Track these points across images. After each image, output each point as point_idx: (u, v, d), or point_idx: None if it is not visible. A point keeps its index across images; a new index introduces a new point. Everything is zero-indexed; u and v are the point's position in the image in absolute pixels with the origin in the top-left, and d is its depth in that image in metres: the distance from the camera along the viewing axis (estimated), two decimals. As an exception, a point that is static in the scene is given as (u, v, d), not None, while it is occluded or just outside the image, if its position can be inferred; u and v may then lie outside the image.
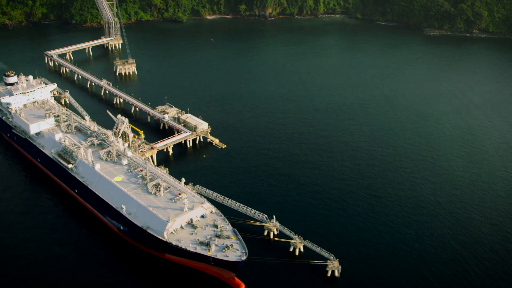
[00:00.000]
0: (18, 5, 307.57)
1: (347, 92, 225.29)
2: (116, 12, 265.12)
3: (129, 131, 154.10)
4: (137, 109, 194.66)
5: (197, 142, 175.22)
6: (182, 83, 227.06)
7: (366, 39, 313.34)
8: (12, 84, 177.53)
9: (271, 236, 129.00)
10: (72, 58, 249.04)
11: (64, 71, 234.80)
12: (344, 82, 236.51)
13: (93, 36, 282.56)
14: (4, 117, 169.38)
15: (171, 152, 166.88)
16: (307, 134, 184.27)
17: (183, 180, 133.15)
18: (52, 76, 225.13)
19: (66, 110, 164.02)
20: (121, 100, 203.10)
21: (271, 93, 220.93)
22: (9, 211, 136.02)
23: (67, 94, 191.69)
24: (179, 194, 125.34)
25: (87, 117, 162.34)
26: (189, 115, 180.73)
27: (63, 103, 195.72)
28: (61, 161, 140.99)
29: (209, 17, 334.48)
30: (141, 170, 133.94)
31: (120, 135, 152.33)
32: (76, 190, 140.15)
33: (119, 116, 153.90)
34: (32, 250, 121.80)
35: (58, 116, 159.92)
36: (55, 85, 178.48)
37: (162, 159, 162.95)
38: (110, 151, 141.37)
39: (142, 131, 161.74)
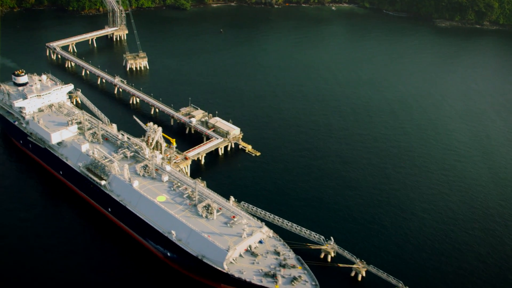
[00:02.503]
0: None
1: (370, 90, 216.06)
2: (129, 2, 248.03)
3: (162, 141, 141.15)
4: (157, 110, 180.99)
5: (229, 149, 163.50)
6: (198, 79, 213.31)
7: (381, 31, 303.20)
8: (22, 85, 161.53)
9: (329, 259, 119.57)
10: (75, 50, 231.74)
11: (70, 66, 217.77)
12: (366, 79, 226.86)
13: (93, 25, 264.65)
14: (16, 122, 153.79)
15: (203, 161, 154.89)
16: (343, 136, 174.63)
17: (232, 198, 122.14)
18: (56, 71, 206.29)
19: (90, 117, 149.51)
20: (138, 100, 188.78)
21: (293, 90, 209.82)
22: (35, 235, 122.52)
23: (80, 93, 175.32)
24: (233, 216, 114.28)
25: (114, 125, 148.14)
26: (218, 119, 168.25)
27: (74, 103, 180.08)
28: (92, 176, 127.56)
29: (213, 5, 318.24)
30: (186, 188, 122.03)
31: (153, 146, 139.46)
32: (109, 209, 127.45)
33: (150, 124, 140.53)
34: (70, 279, 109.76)
35: (80, 123, 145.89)
36: (71, 86, 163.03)
37: (194, 169, 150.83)
38: (147, 165, 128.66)
39: (174, 140, 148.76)
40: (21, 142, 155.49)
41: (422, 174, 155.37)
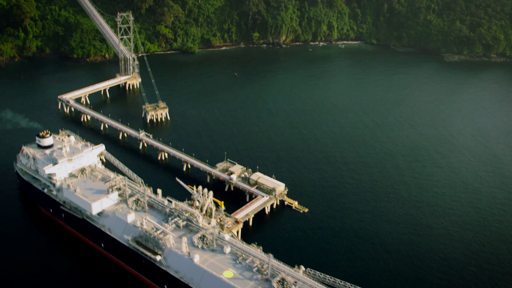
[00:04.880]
0: (9, 38, 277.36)
1: (407, 130, 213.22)
2: (134, 47, 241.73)
3: (212, 205, 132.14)
4: (189, 166, 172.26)
5: (274, 206, 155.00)
6: (224, 130, 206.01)
7: (393, 67, 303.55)
8: (48, 147, 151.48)
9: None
10: (88, 102, 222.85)
11: (85, 119, 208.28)
12: (399, 119, 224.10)
13: (100, 73, 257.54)
14: (46, 190, 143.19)
15: (251, 222, 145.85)
16: (395, 185, 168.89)
17: (302, 268, 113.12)
18: (71, 126, 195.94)
19: (130, 182, 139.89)
20: (166, 155, 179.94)
21: (326, 137, 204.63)
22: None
23: (105, 151, 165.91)
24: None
25: (159, 190, 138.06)
26: (260, 174, 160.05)
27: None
28: (143, 251, 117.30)
29: (221, 48, 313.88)
30: (253, 261, 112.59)
31: (204, 212, 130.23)
32: (166, 287, 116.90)
33: (200, 187, 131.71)
34: None
35: (120, 189, 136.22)
36: (103, 147, 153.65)
37: (243, 232, 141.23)
38: (204, 235, 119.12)
39: (222, 202, 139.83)
40: (51, 211, 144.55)
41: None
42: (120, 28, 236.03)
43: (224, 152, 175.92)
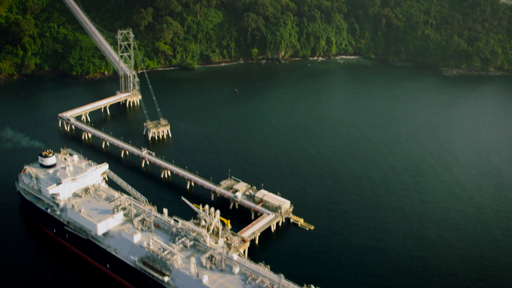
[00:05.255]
0: (7, 55, 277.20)
1: (409, 144, 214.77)
2: (134, 64, 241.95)
3: (219, 224, 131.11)
4: (192, 183, 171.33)
5: (280, 224, 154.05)
6: (226, 146, 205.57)
7: (404, 83, 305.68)
8: (51, 167, 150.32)
9: None
10: (89, 119, 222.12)
11: (86, 137, 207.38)
12: (400, 133, 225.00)
13: (100, 90, 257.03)
14: (49, 210, 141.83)
15: (257, 240, 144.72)
16: (399, 200, 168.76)
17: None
18: (71, 144, 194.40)
19: (135, 201, 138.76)
20: (169, 173, 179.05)
21: (328, 152, 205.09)
22: None
23: (108, 170, 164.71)
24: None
25: (165, 210, 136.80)
26: (265, 192, 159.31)
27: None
28: (151, 271, 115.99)
29: (221, 64, 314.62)
30: (262, 281, 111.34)
31: (211, 231, 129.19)
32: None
33: (206, 206, 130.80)
34: None
35: (125, 208, 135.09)
36: (106, 166, 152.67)
37: (249, 250, 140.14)
38: (212, 255, 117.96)
39: (228, 221, 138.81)
40: (54, 231, 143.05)
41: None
42: (121, 45, 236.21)
43: (228, 169, 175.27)
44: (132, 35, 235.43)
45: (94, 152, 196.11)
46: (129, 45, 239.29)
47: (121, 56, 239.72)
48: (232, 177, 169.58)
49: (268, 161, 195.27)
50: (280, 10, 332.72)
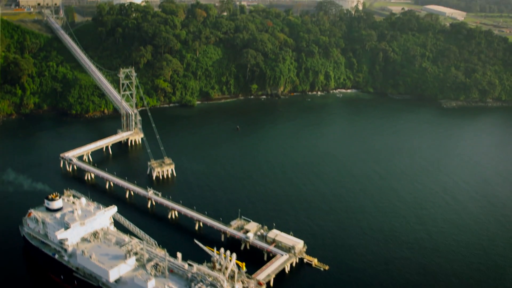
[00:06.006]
0: (6, 95, 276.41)
1: (418, 177, 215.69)
2: (136, 103, 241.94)
3: (235, 268, 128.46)
4: (201, 224, 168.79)
5: (293, 264, 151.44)
6: (233, 185, 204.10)
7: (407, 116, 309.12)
8: (57, 210, 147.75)
9: None
10: (91, 159, 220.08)
11: (89, 178, 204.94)
12: (403, 168, 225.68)
13: (100, 129, 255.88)
14: (57, 255, 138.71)
15: (272, 283, 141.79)
16: (415, 233, 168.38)
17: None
18: (74, 185, 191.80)
19: (147, 245, 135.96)
20: (176, 214, 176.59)
21: (341, 185, 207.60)
22: None
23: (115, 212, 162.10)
24: None
25: (179, 254, 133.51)
26: (277, 231, 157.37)
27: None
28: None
29: (220, 100, 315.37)
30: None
31: (227, 275, 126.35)
32: None
33: (222, 250, 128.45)
34: None
35: (137, 253, 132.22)
36: (115, 209, 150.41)
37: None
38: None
39: (243, 264, 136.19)
40: (62, 277, 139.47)
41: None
42: (123, 84, 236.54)
43: (237, 208, 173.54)
44: (134, 74, 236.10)
45: (98, 193, 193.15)
46: (131, 83, 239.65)
47: (123, 95, 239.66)
48: (242, 217, 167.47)
49: (278, 198, 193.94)
50: (279, 46, 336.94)
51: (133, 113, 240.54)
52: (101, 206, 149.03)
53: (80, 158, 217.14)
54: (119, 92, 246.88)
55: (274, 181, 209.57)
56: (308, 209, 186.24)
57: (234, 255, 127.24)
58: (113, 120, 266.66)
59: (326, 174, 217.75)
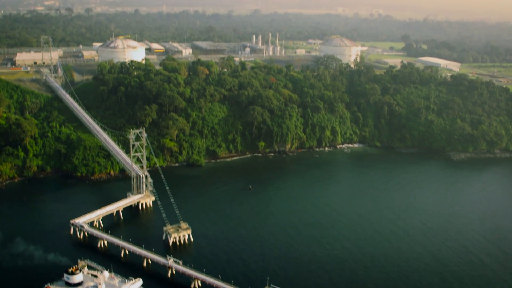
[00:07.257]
0: (8, 157, 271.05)
1: (430, 240, 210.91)
2: (147, 165, 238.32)
3: None
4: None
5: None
6: (256, 249, 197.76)
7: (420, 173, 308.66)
8: (78, 285, 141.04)
9: None
10: (102, 225, 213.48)
11: (102, 245, 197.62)
12: (421, 228, 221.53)
13: (108, 192, 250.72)
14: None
15: None
16: None
17: None
18: (87, 253, 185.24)
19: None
20: (199, 283, 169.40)
21: (377, 247, 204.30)
22: None
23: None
24: None
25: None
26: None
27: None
28: None
29: (228, 159, 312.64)
30: None
31: None
32: None
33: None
34: None
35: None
36: (140, 282, 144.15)
37: None
38: None
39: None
40: None
41: None
42: (133, 145, 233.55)
43: (264, 274, 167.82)
44: (145, 134, 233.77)
45: (112, 261, 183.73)
46: (141, 144, 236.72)
47: (134, 157, 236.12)
48: (272, 285, 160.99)
49: (309, 264, 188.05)
50: (284, 102, 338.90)
51: (143, 175, 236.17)
52: (126, 280, 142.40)
53: (91, 224, 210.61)
54: (126, 152, 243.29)
55: (301, 243, 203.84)
56: (345, 275, 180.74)
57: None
58: (120, 182, 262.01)
59: (361, 236, 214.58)
